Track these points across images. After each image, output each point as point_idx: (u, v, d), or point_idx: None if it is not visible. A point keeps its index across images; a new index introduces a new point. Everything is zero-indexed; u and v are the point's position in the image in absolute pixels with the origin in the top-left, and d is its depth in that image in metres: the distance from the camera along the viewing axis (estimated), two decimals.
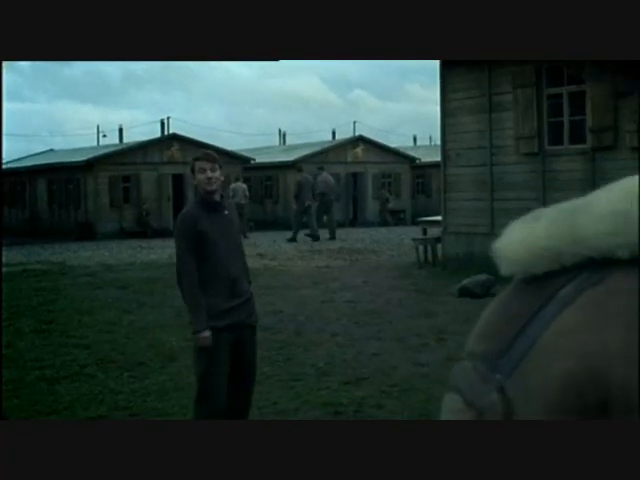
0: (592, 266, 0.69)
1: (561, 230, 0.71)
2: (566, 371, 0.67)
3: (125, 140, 51.16)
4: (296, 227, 30.76)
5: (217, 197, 6.26)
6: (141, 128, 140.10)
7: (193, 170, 6.25)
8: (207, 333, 6.05)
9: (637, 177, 0.72)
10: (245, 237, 33.38)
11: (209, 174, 6.15)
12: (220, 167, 6.29)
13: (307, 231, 30.48)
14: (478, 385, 0.72)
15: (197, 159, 6.27)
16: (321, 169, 33.45)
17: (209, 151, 6.60)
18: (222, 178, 6.28)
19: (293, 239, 30.24)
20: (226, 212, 6.32)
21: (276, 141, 63.09)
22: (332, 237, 30.67)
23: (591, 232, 0.69)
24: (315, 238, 29.94)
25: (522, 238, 0.73)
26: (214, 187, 6.19)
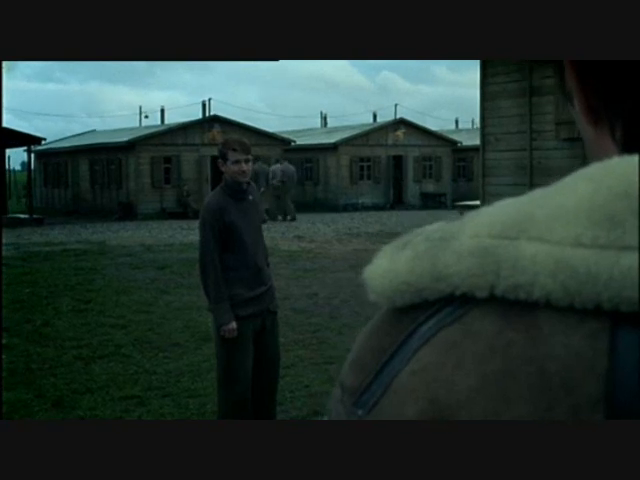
0: (455, 301, 0.67)
1: (423, 266, 0.68)
2: (415, 414, 0.65)
3: (158, 122, 51.40)
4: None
5: (245, 186, 6.20)
6: (180, 110, 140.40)
7: (225, 157, 6.12)
8: (232, 325, 5.99)
9: (512, 200, 0.69)
10: (293, 219, 33.64)
11: (244, 166, 6.09)
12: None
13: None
14: (343, 418, 0.71)
15: (233, 149, 6.12)
16: (281, 160, 36.98)
17: (245, 141, 6.45)
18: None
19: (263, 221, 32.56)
20: (250, 197, 6.26)
21: (313, 123, 62.98)
22: (293, 219, 33.96)
23: (452, 271, 0.66)
24: (292, 219, 33.65)
25: (385, 269, 0.71)
26: (247, 179, 6.17)
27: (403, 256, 0.71)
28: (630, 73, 0.69)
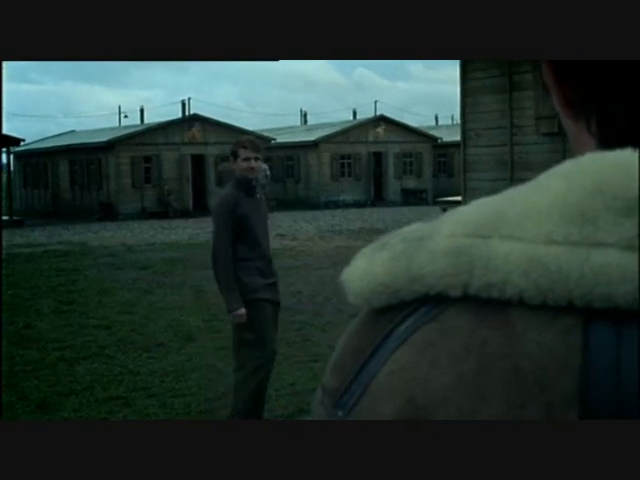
0: (430, 301, 0.67)
1: (399, 267, 0.69)
2: (393, 413, 0.66)
3: (137, 121, 51.34)
4: None
5: (254, 182, 6.58)
6: (159, 109, 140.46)
7: (236, 155, 6.46)
8: (242, 311, 6.32)
9: (487, 199, 0.70)
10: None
11: (253, 163, 6.45)
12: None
13: None
14: (324, 419, 0.72)
15: (244, 147, 6.47)
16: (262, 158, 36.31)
17: (254, 139, 6.96)
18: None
19: None
20: (258, 196, 6.63)
21: (292, 121, 63.14)
22: None
23: (426, 271, 0.67)
24: None
25: (364, 271, 0.71)
26: (255, 176, 6.56)
27: (380, 257, 0.71)
28: (603, 70, 0.70)
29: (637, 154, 0.64)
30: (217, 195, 6.87)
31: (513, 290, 0.64)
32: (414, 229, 0.72)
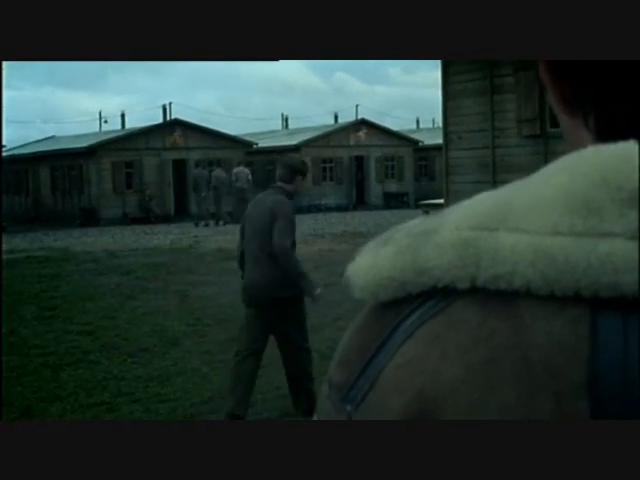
0: (437, 294, 0.68)
1: (405, 260, 0.69)
2: (402, 407, 0.66)
3: (117, 127, 51.25)
4: (204, 213, 34.76)
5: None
6: (139, 114, 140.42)
7: (303, 174, 7.64)
8: (319, 290, 7.65)
9: (491, 192, 0.70)
10: None
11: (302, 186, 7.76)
12: None
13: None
14: (332, 414, 0.72)
15: (304, 174, 7.66)
16: (216, 165, 38.14)
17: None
18: None
19: (196, 224, 34.01)
20: None
21: (274, 125, 63.12)
22: (225, 223, 34.08)
23: (433, 264, 0.67)
24: (226, 223, 33.84)
25: (369, 265, 0.72)
26: None
27: (385, 252, 0.72)
28: (600, 68, 0.70)
29: (638, 146, 0.65)
30: (279, 200, 7.38)
31: (520, 281, 0.64)
32: (417, 224, 0.73)
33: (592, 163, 0.65)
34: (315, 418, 0.76)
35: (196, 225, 33.72)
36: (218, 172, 35.96)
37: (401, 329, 0.69)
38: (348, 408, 0.70)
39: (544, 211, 0.65)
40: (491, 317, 0.65)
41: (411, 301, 0.70)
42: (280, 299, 7.31)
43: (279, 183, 7.48)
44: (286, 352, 7.71)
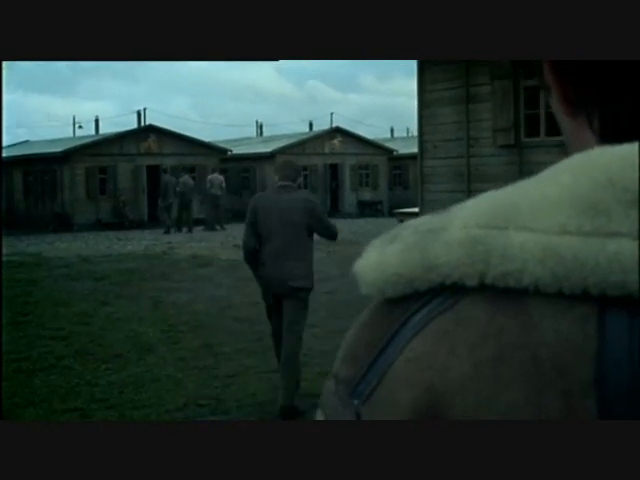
0: (445, 291, 0.69)
1: (413, 257, 0.70)
2: (410, 401, 0.67)
3: (91, 132, 51.05)
4: (165, 220, 34.56)
5: None
6: (113, 120, 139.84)
7: (301, 174, 8.38)
8: None
9: (497, 191, 0.71)
10: (223, 229, 33.44)
11: None
12: None
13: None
14: (339, 409, 0.73)
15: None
16: (184, 172, 37.44)
17: None
18: None
19: (167, 232, 33.51)
20: None
21: (247, 132, 63.03)
22: (190, 231, 33.82)
23: (442, 261, 0.68)
24: (189, 230, 33.83)
25: (376, 262, 0.73)
26: None
27: (393, 249, 0.72)
28: (604, 69, 0.71)
29: None
30: (306, 197, 8.04)
31: (529, 279, 0.65)
32: (423, 222, 0.74)
33: (598, 164, 0.66)
34: (319, 413, 0.76)
35: (166, 232, 33.40)
36: (185, 179, 35.71)
37: (409, 325, 0.70)
38: (355, 402, 0.71)
39: (552, 211, 0.66)
40: (499, 314, 0.66)
41: (419, 298, 0.70)
42: (296, 289, 7.71)
43: (287, 182, 7.86)
44: (285, 354, 7.88)
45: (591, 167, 0.66)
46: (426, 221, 0.74)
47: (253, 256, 7.90)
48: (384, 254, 0.73)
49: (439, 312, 0.69)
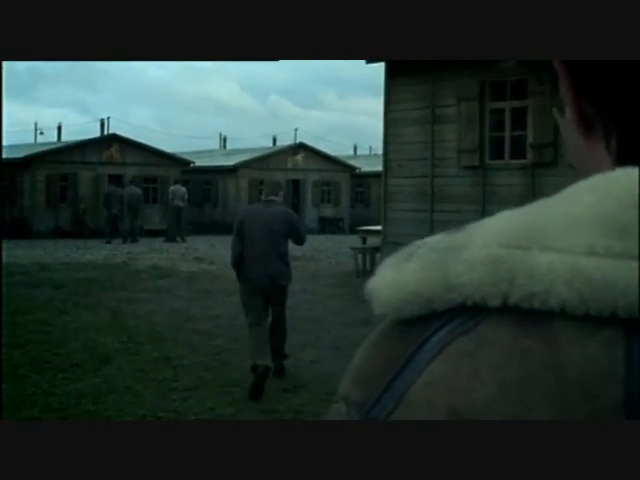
0: (465, 312, 0.67)
1: (432, 275, 0.68)
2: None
3: (53, 139, 50.81)
4: (111, 231, 34.55)
5: None
6: (75, 128, 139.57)
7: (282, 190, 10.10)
8: None
9: (514, 211, 0.70)
10: (184, 241, 33.35)
11: None
12: None
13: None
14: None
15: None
16: (131, 182, 37.04)
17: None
18: None
19: (109, 242, 33.45)
20: None
21: (209, 145, 63.14)
22: (134, 240, 33.96)
23: (464, 280, 0.66)
24: (133, 240, 33.96)
25: (391, 280, 0.71)
26: None
27: (410, 267, 0.70)
28: (625, 82, 0.70)
29: None
30: (288, 210, 10.01)
31: (556, 300, 0.63)
32: (439, 240, 0.72)
33: (622, 186, 0.65)
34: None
35: (108, 242, 33.19)
36: (132, 189, 35.58)
37: (427, 346, 0.68)
38: None
39: (577, 231, 0.64)
40: (523, 336, 0.64)
41: (437, 318, 0.68)
42: (283, 286, 9.68)
43: (271, 197, 9.64)
44: (275, 323, 9.82)
45: (615, 187, 0.65)
46: (443, 239, 0.71)
47: (236, 261, 9.56)
48: (400, 272, 0.71)
49: (459, 333, 0.67)
